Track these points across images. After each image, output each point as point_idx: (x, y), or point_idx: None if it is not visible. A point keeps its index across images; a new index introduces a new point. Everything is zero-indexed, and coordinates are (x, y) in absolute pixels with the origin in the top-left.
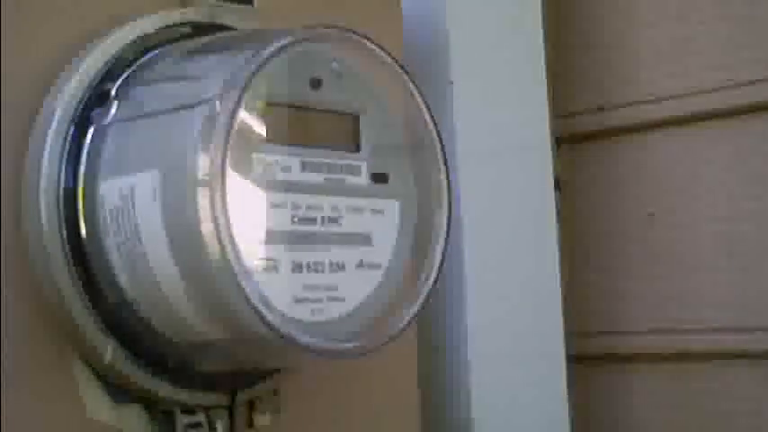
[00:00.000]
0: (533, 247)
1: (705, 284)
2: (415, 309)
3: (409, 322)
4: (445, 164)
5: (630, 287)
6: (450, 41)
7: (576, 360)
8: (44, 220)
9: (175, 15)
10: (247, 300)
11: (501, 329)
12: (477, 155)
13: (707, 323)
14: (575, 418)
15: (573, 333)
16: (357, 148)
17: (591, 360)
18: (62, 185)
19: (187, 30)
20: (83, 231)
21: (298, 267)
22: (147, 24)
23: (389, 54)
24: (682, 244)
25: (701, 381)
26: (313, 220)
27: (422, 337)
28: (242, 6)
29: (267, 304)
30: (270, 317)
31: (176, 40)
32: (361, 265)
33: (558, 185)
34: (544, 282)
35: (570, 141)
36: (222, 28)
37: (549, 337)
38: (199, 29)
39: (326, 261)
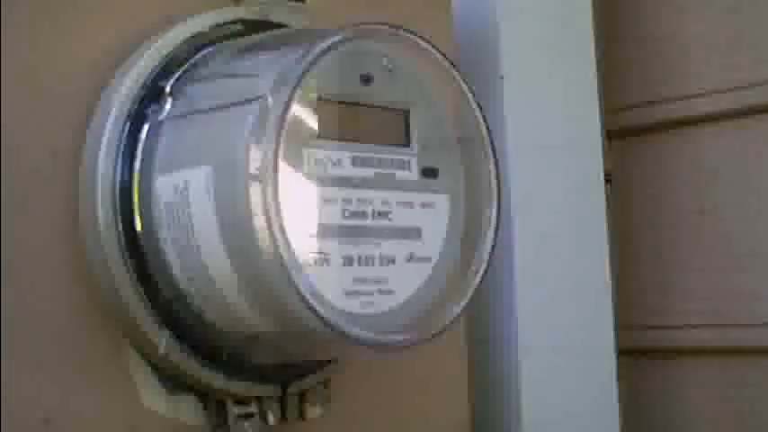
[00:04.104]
0: (583, 241)
1: (755, 278)
2: (464, 302)
3: (458, 315)
4: (495, 158)
5: (680, 281)
6: (501, 36)
7: (626, 353)
8: (100, 215)
9: (228, 13)
10: (299, 292)
11: (550, 323)
12: (528, 149)
13: (757, 317)
14: (624, 410)
15: (622, 326)
16: (407, 143)
17: (640, 353)
18: (118, 180)
19: (239, 27)
20: (138, 226)
21: (348, 261)
22: (200, 23)
23: (439, 50)
24: (732, 238)
25: (750, 374)
26: (364, 215)
27: (471, 330)
28: (293, 4)
29: (318, 297)
30: (321, 309)
31: (229, 37)
32: (410, 258)
33: (608, 179)
34: (594, 275)
35: (620, 136)
36: (274, 25)
37: (599, 330)
38: (251, 26)
39: (377, 254)
